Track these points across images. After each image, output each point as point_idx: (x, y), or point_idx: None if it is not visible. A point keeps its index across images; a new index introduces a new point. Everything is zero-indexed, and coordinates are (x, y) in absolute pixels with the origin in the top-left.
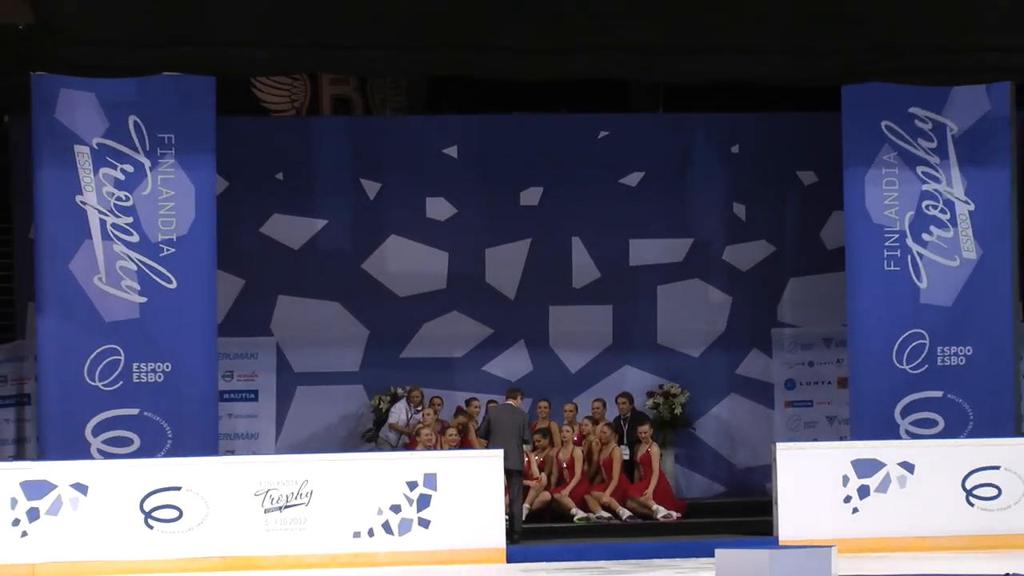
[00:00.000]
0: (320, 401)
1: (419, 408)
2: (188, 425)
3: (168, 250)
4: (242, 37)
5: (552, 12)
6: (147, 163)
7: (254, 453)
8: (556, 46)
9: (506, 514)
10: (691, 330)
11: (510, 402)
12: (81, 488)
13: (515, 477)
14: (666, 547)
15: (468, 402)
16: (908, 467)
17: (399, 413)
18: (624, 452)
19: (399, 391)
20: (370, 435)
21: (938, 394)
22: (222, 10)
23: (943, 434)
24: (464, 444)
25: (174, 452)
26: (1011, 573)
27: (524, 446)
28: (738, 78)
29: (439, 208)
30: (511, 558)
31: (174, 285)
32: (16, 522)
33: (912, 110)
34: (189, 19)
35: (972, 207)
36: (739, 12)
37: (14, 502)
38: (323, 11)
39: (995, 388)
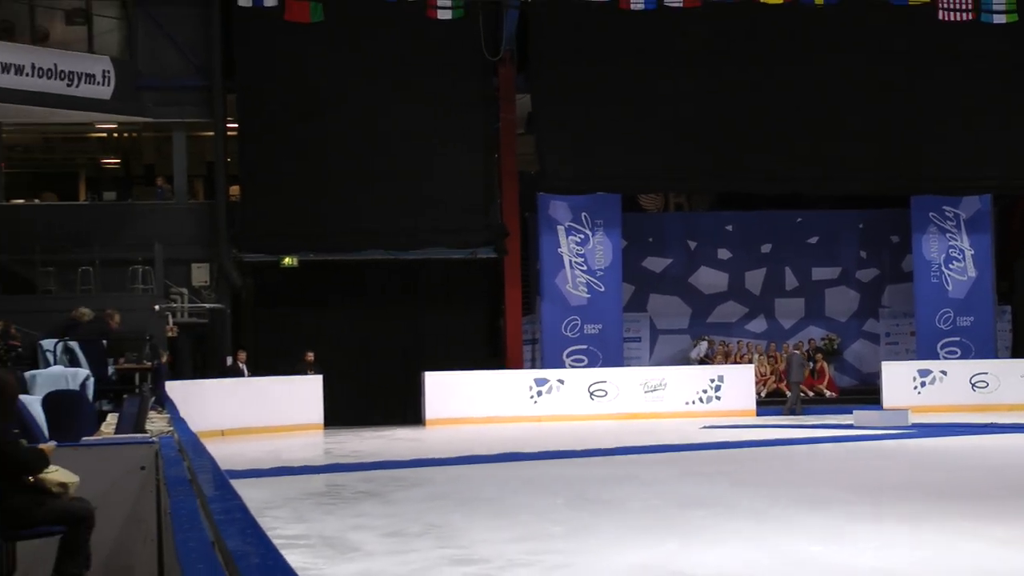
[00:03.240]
0: (669, 343)
1: (710, 348)
2: (609, 352)
3: (600, 273)
4: (632, 173)
5: (773, 159)
6: (591, 234)
7: (638, 366)
8: (776, 178)
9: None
10: (840, 309)
11: (795, 351)
12: (561, 381)
13: (793, 386)
14: (830, 409)
15: (738, 342)
16: (944, 373)
17: (701, 349)
18: (809, 365)
19: (704, 337)
20: (688, 359)
21: (957, 339)
22: (616, 161)
23: (960, 358)
24: (735, 362)
25: (603, 365)
26: (994, 422)
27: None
28: (862, 193)
29: (724, 254)
30: (758, 413)
31: (603, 289)
32: (531, 396)
33: (944, 207)
34: (597, 170)
35: (972, 252)
36: (862, 163)
37: (530, 388)
38: (662, 167)
39: (984, 336)
